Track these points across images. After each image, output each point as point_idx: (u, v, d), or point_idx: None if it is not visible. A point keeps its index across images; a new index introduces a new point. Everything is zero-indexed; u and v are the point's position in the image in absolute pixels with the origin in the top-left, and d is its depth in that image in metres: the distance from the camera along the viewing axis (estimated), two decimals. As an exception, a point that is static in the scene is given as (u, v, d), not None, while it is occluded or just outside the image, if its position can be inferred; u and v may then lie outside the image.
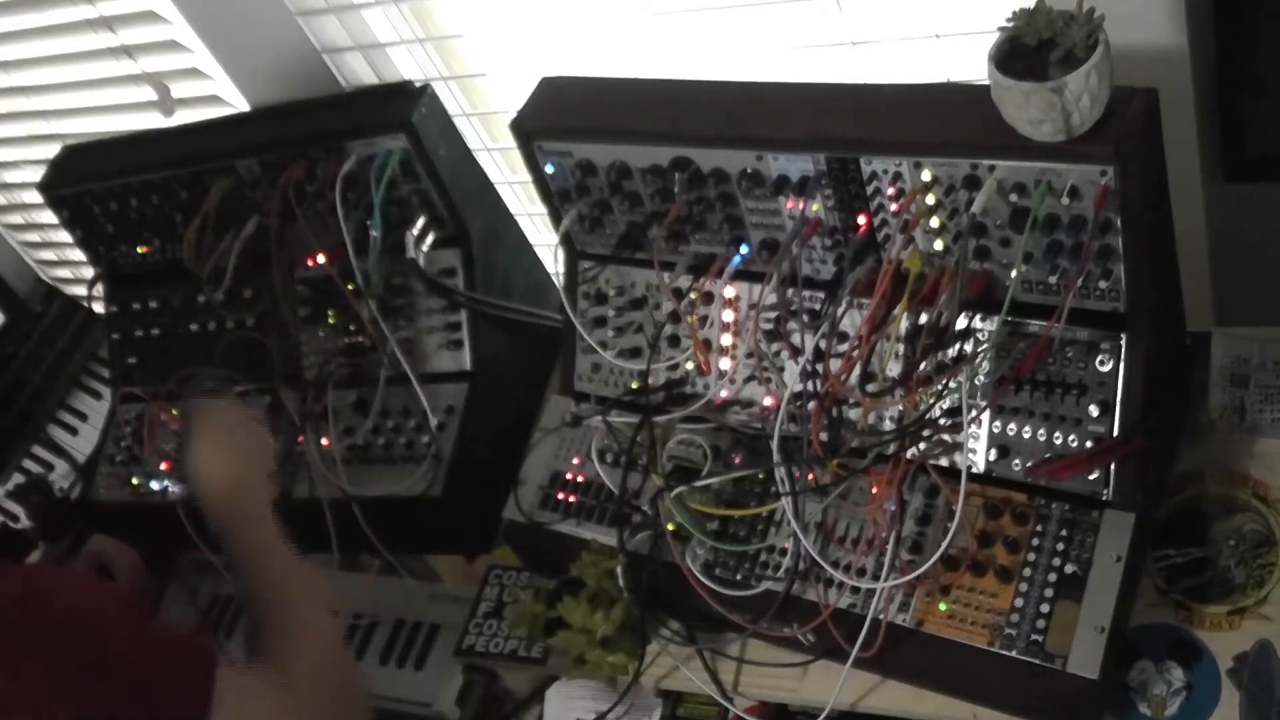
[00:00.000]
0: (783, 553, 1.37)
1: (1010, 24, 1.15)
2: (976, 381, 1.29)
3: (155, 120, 2.05)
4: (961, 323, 1.27)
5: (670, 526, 1.42)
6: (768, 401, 1.41)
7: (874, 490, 1.32)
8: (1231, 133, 1.38)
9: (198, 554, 1.71)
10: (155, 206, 1.85)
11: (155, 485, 1.87)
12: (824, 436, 1.34)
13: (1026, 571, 1.25)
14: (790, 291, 1.37)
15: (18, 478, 2.26)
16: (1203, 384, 1.42)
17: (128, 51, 2.01)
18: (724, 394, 1.45)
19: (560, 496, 1.54)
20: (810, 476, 1.35)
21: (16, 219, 2.61)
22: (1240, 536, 1.33)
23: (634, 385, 1.50)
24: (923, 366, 1.27)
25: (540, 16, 1.67)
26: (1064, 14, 1.12)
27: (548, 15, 1.67)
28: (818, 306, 1.36)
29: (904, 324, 1.27)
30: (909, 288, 1.26)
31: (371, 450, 1.72)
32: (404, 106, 1.66)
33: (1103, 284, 1.21)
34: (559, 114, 1.47)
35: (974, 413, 1.29)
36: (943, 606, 1.28)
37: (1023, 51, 1.13)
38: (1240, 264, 1.50)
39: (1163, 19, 1.27)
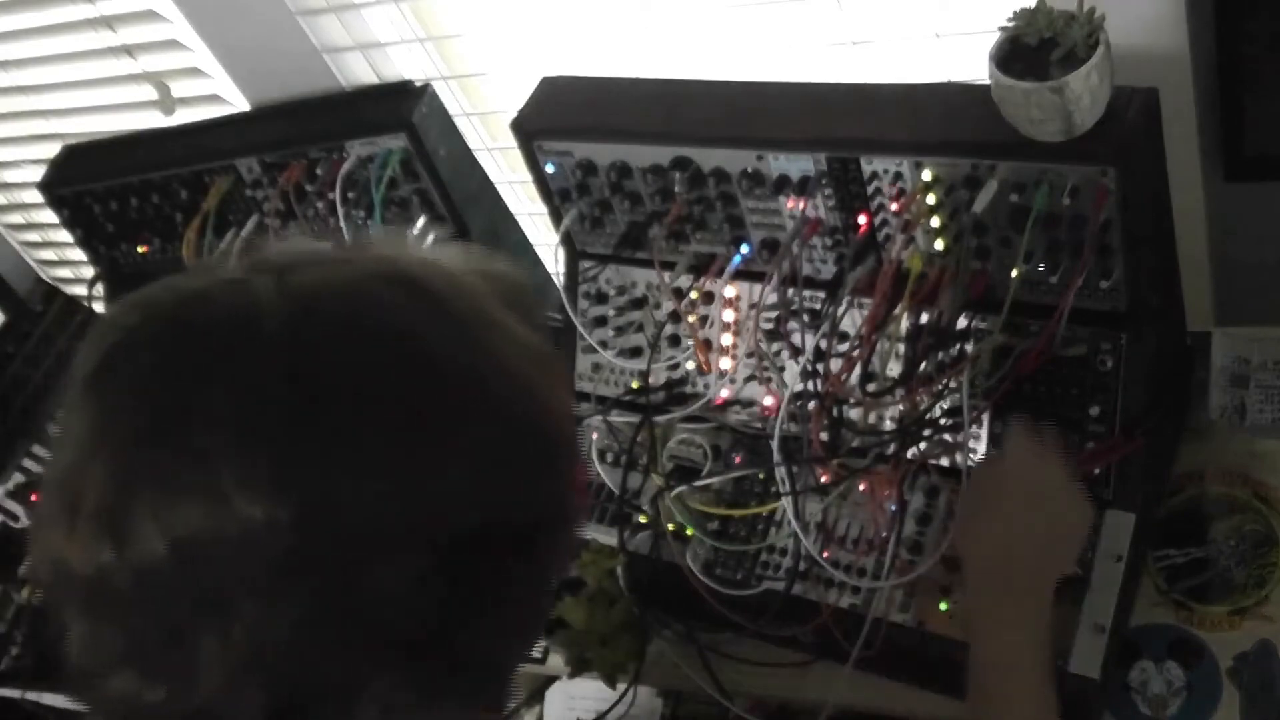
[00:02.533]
0: (783, 553, 1.36)
1: (1011, 24, 1.14)
2: (976, 381, 1.29)
3: (155, 120, 2.05)
4: (961, 323, 1.27)
5: (670, 526, 1.42)
6: (768, 401, 1.41)
7: (874, 490, 1.32)
8: (1231, 133, 1.38)
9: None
10: (155, 206, 1.85)
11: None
12: (824, 436, 1.34)
13: (1027, 571, 1.25)
14: (790, 291, 1.37)
15: (18, 478, 2.26)
16: (1203, 384, 1.42)
17: (128, 50, 2.01)
18: (724, 394, 1.45)
19: (560, 496, 1.54)
20: (821, 476, 1.35)
21: (16, 219, 2.61)
22: (1240, 536, 1.33)
23: (634, 385, 1.50)
24: (923, 366, 1.27)
25: (540, 16, 1.67)
26: (1065, 14, 1.12)
27: (548, 15, 1.66)
28: (818, 306, 1.36)
29: (904, 324, 1.27)
30: (909, 288, 1.26)
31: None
32: (404, 106, 1.66)
33: (1103, 284, 1.21)
34: (559, 114, 1.47)
35: (974, 413, 1.29)
36: (943, 606, 1.27)
37: (1023, 51, 1.13)
38: (1240, 264, 1.50)
39: (1163, 19, 1.27)
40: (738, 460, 1.43)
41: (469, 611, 0.68)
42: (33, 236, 2.63)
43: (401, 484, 0.65)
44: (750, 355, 1.43)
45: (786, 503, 1.35)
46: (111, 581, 0.64)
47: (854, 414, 1.34)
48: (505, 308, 0.71)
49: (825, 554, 1.34)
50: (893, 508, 1.30)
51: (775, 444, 1.34)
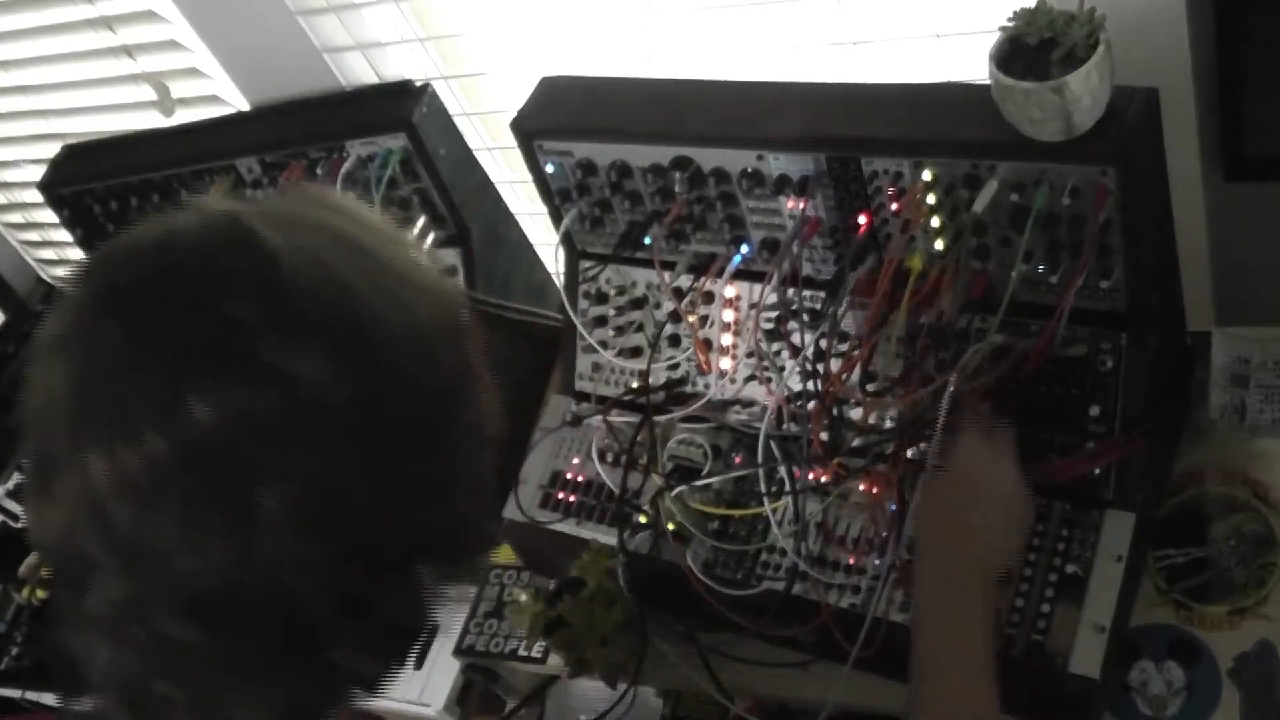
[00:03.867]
0: (783, 553, 1.36)
1: (1011, 24, 1.14)
2: (976, 382, 1.28)
3: (155, 120, 2.05)
4: (961, 323, 1.27)
5: (670, 526, 1.42)
6: (768, 401, 1.41)
7: (874, 490, 1.32)
8: (1231, 133, 1.38)
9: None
10: (155, 206, 1.85)
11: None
12: (824, 436, 1.34)
13: (1027, 571, 1.25)
14: (790, 291, 1.37)
15: (18, 477, 2.26)
16: (1203, 384, 1.42)
17: (127, 51, 2.01)
18: (724, 394, 1.45)
19: (560, 496, 1.54)
20: (813, 475, 1.35)
21: (16, 218, 2.61)
22: (1240, 536, 1.33)
23: (634, 385, 1.50)
24: (922, 366, 1.27)
25: (540, 16, 1.67)
26: (1065, 14, 1.12)
27: (548, 15, 1.67)
28: (818, 306, 1.36)
29: (904, 324, 1.27)
30: (909, 288, 1.26)
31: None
32: (404, 106, 1.66)
33: (1103, 284, 1.21)
34: (559, 114, 1.47)
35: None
36: (943, 606, 1.27)
37: (1023, 51, 1.13)
38: (1240, 264, 1.50)
39: (1163, 19, 1.27)
40: (737, 460, 1.43)
41: (455, 462, 0.79)
42: (33, 236, 2.63)
43: (405, 354, 0.77)
44: (750, 355, 1.43)
45: (768, 506, 1.35)
46: (166, 470, 0.69)
47: (854, 414, 1.34)
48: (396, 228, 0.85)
49: (824, 553, 1.34)
50: (893, 508, 1.30)
51: (761, 441, 1.34)
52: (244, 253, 0.74)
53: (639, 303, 1.53)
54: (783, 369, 1.39)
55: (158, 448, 0.69)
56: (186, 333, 0.72)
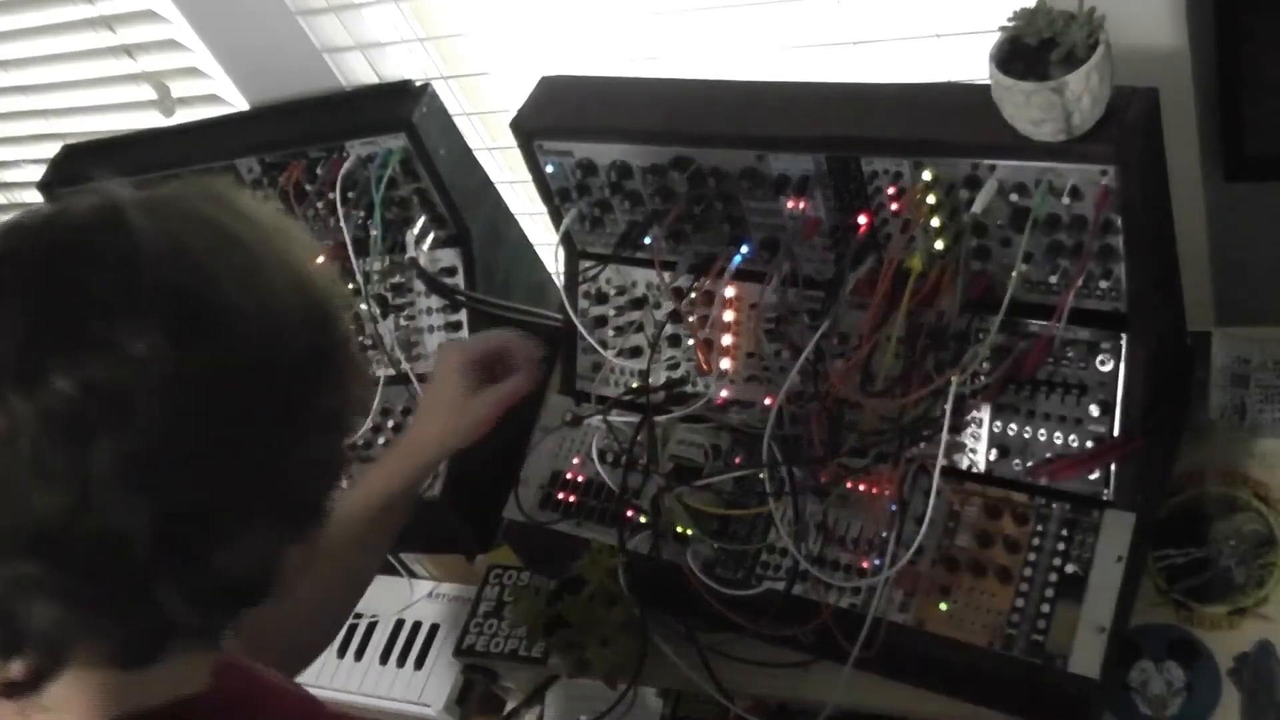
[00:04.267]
0: (783, 552, 1.36)
1: (1011, 24, 1.15)
2: (976, 381, 1.29)
3: (155, 120, 2.05)
4: (961, 323, 1.27)
5: (671, 527, 1.41)
6: (768, 401, 1.41)
7: (874, 490, 1.32)
8: (1231, 133, 1.38)
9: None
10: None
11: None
12: (824, 436, 1.33)
13: (1027, 571, 1.25)
14: (790, 291, 1.37)
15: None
16: (1203, 384, 1.42)
17: (127, 50, 2.01)
18: (724, 394, 1.45)
19: (560, 496, 1.54)
20: (821, 476, 1.35)
21: (16, 218, 2.60)
22: (1240, 536, 1.33)
23: (634, 385, 1.50)
24: (923, 366, 1.27)
25: (540, 16, 1.67)
26: (1065, 14, 1.12)
27: (548, 15, 1.67)
28: (818, 306, 1.36)
29: (904, 324, 1.27)
30: (909, 288, 1.26)
31: (371, 450, 1.72)
32: (404, 106, 1.66)
33: (1103, 284, 1.21)
34: (559, 114, 1.47)
35: (974, 413, 1.29)
36: (943, 606, 1.27)
37: (1023, 51, 1.13)
38: (1240, 264, 1.50)
39: (1163, 19, 1.27)
40: (737, 461, 1.43)
41: (296, 443, 0.86)
42: (33, 236, 2.62)
43: (252, 336, 0.83)
44: (750, 355, 1.43)
45: (773, 505, 1.35)
46: (24, 425, 0.78)
47: (854, 414, 1.34)
48: (289, 225, 0.92)
49: (824, 553, 1.34)
50: (893, 508, 1.30)
51: (764, 444, 1.34)
52: (113, 235, 0.83)
53: (639, 303, 1.53)
54: (783, 369, 1.39)
55: (18, 408, 0.78)
56: (51, 305, 0.81)
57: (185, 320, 0.81)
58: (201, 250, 0.84)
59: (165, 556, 0.81)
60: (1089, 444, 1.25)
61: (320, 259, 0.93)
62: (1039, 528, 1.26)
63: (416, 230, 1.70)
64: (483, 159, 1.80)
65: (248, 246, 0.87)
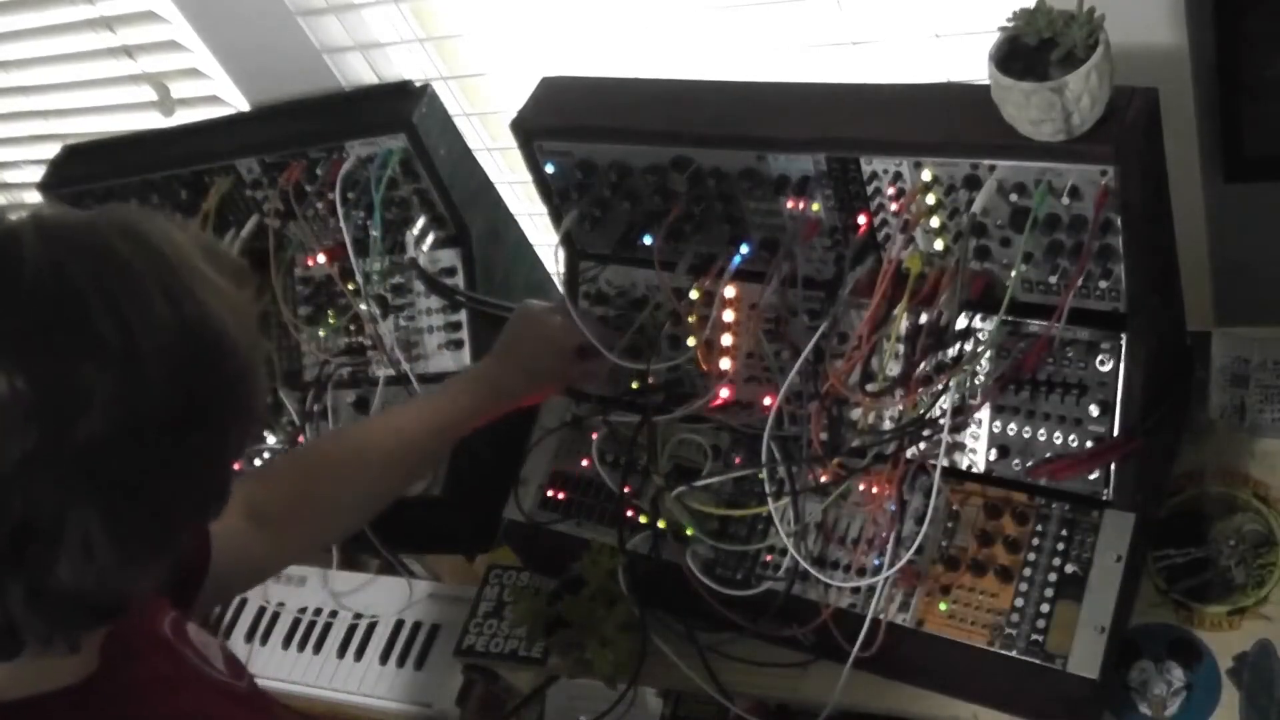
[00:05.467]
0: (783, 552, 1.36)
1: (1010, 24, 1.15)
2: (976, 381, 1.29)
3: (155, 120, 2.05)
4: (961, 323, 1.28)
5: (671, 526, 1.42)
6: (768, 401, 1.41)
7: (874, 490, 1.32)
8: (1231, 133, 1.38)
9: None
10: (155, 206, 1.85)
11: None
12: (824, 436, 1.34)
13: (1026, 571, 1.25)
14: (790, 291, 1.37)
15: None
16: (1203, 384, 1.42)
17: (127, 51, 2.01)
18: (724, 394, 1.45)
19: (560, 496, 1.54)
20: (813, 475, 1.35)
21: (16, 219, 2.60)
22: (1240, 536, 1.33)
23: (634, 385, 1.50)
24: (923, 366, 1.27)
25: (540, 16, 1.67)
26: (1064, 14, 1.12)
27: (548, 15, 1.67)
28: (818, 306, 1.36)
29: (904, 324, 1.27)
30: (909, 288, 1.26)
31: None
32: (404, 106, 1.66)
33: (1103, 284, 1.21)
34: (559, 114, 1.47)
35: (974, 413, 1.29)
36: (943, 606, 1.28)
37: (1023, 51, 1.13)
38: (1240, 264, 1.50)
39: (1163, 19, 1.27)
40: (737, 461, 1.43)
41: (155, 473, 0.87)
42: (33, 237, 2.62)
43: (115, 368, 0.84)
44: (750, 355, 1.43)
45: (773, 506, 1.35)
46: None
47: (854, 414, 1.34)
48: (205, 261, 0.92)
49: (823, 553, 1.34)
50: (893, 508, 1.30)
51: (764, 444, 1.34)
52: (4, 260, 0.85)
53: (639, 303, 1.53)
54: (783, 369, 1.39)
55: None
56: None
57: (44, 350, 0.82)
58: (81, 278, 0.85)
59: (9, 567, 0.83)
60: (1089, 444, 1.25)
61: (242, 299, 0.94)
62: (1039, 527, 1.26)
63: (416, 230, 1.70)
64: (483, 159, 1.80)
65: (131, 275, 0.86)
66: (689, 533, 1.40)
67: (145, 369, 0.85)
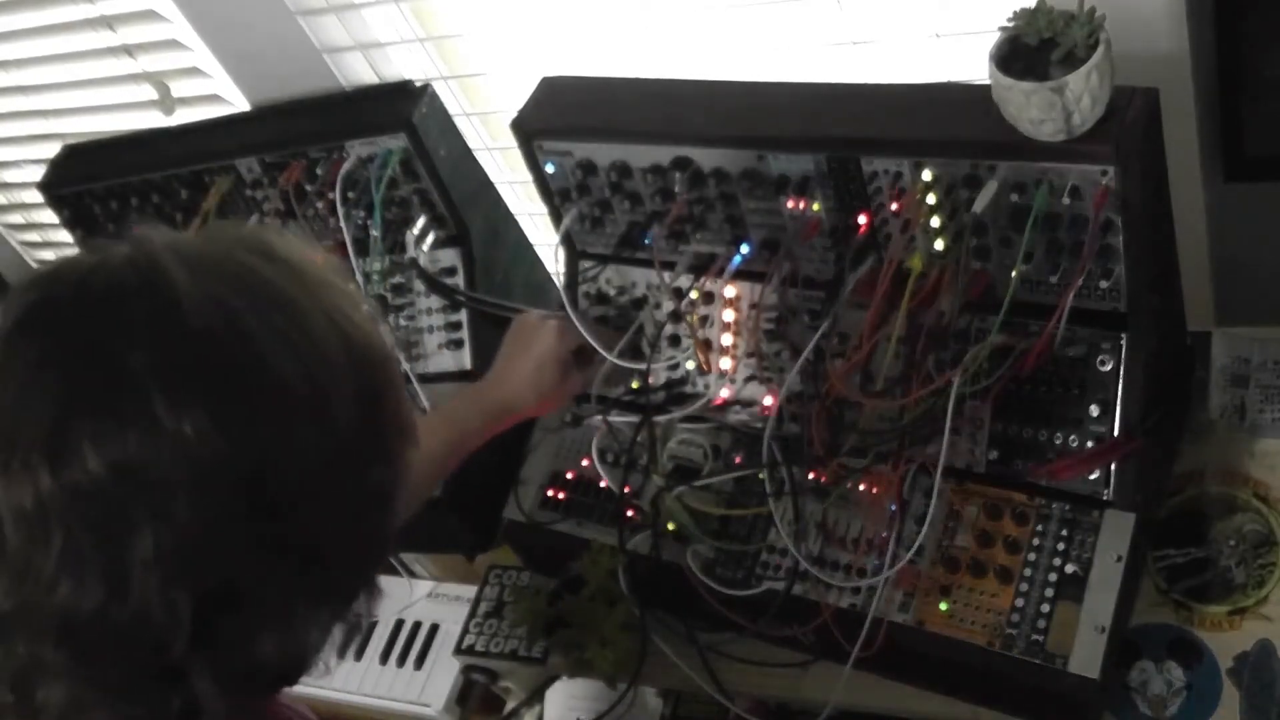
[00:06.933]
0: (783, 552, 1.36)
1: (1011, 24, 1.15)
2: (977, 381, 1.29)
3: (155, 119, 2.05)
4: (961, 323, 1.27)
5: (670, 526, 1.42)
6: (768, 401, 1.41)
7: (874, 490, 1.32)
8: (1231, 133, 1.38)
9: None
10: (156, 206, 1.85)
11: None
12: (824, 436, 1.33)
13: (1026, 571, 1.25)
14: (790, 291, 1.37)
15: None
16: (1203, 384, 1.42)
17: (128, 50, 2.01)
18: (724, 394, 1.45)
19: (560, 496, 1.54)
20: (813, 475, 1.35)
21: (16, 219, 2.61)
22: (1240, 536, 1.33)
23: (634, 385, 1.50)
24: (923, 367, 1.27)
25: (540, 16, 1.67)
26: (1065, 14, 1.12)
27: (548, 15, 1.67)
28: (818, 306, 1.36)
29: (904, 324, 1.27)
30: (909, 288, 1.26)
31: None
32: (404, 106, 1.66)
33: (1103, 284, 1.21)
34: (559, 114, 1.47)
35: (974, 413, 1.29)
36: (943, 606, 1.28)
37: (1023, 51, 1.13)
38: (1240, 264, 1.50)
39: (1163, 19, 1.27)
40: (737, 460, 1.43)
41: (339, 523, 0.81)
42: (33, 236, 2.63)
43: (304, 413, 0.78)
44: (750, 355, 1.43)
45: (773, 505, 1.35)
46: (53, 505, 0.73)
47: (854, 414, 1.34)
48: (334, 272, 0.86)
49: (824, 553, 1.34)
50: (893, 508, 1.30)
51: (765, 445, 1.34)
52: (153, 298, 0.77)
53: (639, 303, 1.53)
54: (783, 369, 1.39)
55: (46, 485, 0.73)
56: (84, 377, 0.75)
57: (229, 398, 0.75)
58: (250, 317, 0.77)
59: (202, 647, 0.77)
60: (1089, 444, 1.25)
61: (365, 307, 0.87)
62: (1039, 528, 1.26)
63: (416, 230, 1.70)
64: (483, 159, 1.80)
65: (298, 311, 0.80)
66: (689, 533, 1.40)
67: (329, 407, 0.79)
